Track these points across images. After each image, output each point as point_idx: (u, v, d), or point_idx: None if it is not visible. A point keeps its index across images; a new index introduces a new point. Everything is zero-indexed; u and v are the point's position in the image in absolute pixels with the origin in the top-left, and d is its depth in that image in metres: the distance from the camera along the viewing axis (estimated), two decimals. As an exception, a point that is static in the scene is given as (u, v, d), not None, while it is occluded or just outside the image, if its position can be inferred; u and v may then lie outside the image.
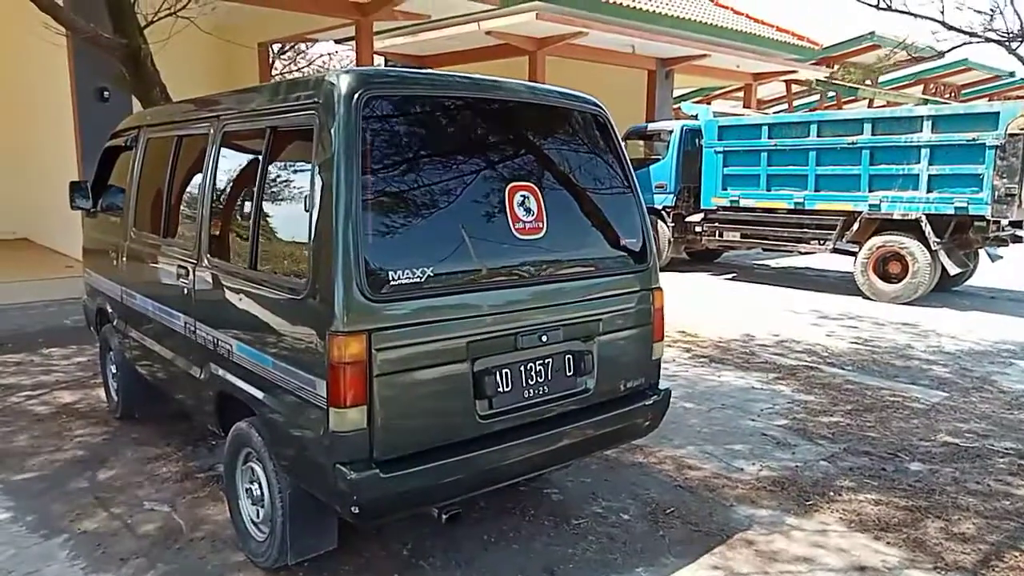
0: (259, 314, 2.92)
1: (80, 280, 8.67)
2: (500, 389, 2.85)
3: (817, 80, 19.69)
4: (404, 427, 2.64)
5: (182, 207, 3.74)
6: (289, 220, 2.89)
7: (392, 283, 2.56)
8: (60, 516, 3.60)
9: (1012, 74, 25.74)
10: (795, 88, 20.97)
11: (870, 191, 9.82)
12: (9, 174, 11.40)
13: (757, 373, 6.29)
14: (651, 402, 3.38)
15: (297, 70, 23.56)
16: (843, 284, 10.98)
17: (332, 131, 2.56)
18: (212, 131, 3.42)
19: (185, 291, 3.50)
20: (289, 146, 2.95)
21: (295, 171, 2.91)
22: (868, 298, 9.91)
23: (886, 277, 9.91)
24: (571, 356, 3.10)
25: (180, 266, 3.55)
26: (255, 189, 2.98)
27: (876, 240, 9.91)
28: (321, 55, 24.63)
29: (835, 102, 21.98)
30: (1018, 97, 23.95)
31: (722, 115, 12.25)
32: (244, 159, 3.30)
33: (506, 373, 2.88)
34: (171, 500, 3.77)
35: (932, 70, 23.51)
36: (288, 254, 2.87)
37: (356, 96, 2.58)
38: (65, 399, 5.31)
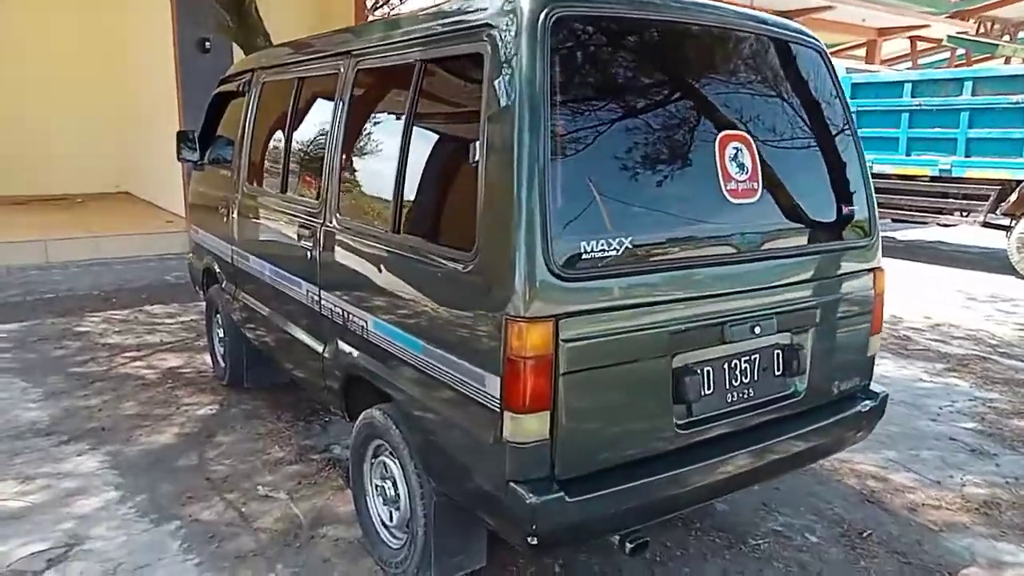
0: (405, 288, 2.41)
1: (180, 236, 8.62)
2: (702, 392, 2.27)
3: (949, 36, 17.88)
4: (592, 439, 2.10)
5: (305, 159, 3.27)
6: (447, 174, 2.36)
7: (585, 256, 1.99)
8: (171, 499, 3.26)
9: None
10: (920, 45, 19.16)
11: (1034, 157, 8.65)
12: (111, 127, 11.40)
13: (920, 362, 5.49)
14: (867, 409, 2.73)
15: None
16: (987, 261, 9.84)
17: (511, 63, 1.99)
18: (343, 70, 2.91)
19: (308, 255, 3.04)
20: (446, 84, 2.40)
21: (455, 114, 2.37)
22: (1023, 277, 8.81)
23: (1047, 256, 8.77)
24: (780, 352, 2.48)
25: (303, 226, 3.09)
26: (400, 137, 2.45)
27: (1037, 213, 8.76)
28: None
29: (965, 61, 20.01)
30: None
31: (855, 71, 11.10)
32: (384, 102, 2.78)
33: (709, 372, 2.29)
34: (287, 486, 3.38)
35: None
36: (447, 216, 2.34)
37: (543, 16, 1.99)
38: (171, 362, 5.04)
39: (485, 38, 2.09)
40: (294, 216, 3.20)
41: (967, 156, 9.17)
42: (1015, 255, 8.95)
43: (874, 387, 2.86)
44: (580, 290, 1.99)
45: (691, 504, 2.41)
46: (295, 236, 3.16)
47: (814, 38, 2.68)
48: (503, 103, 1.99)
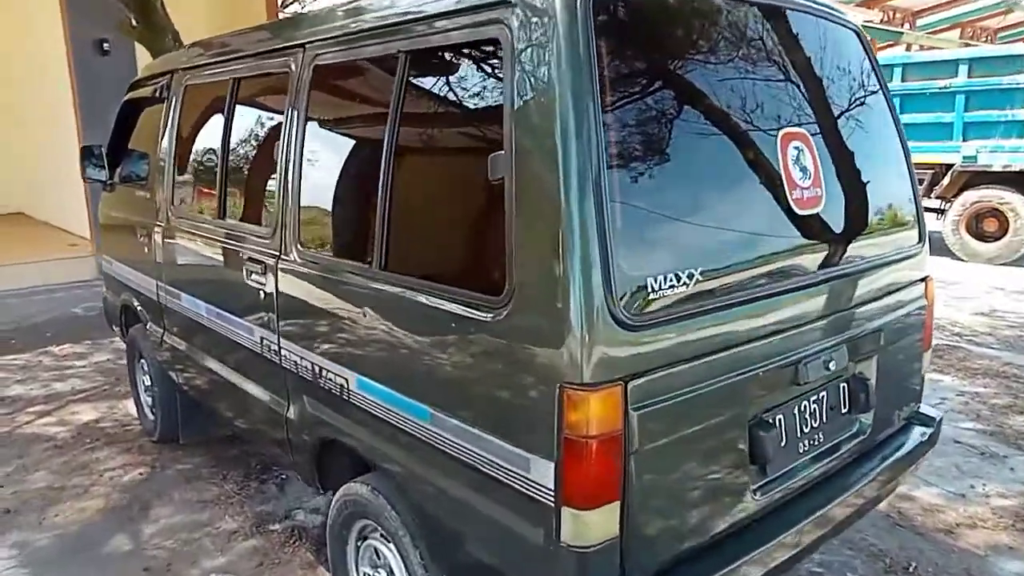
0: (402, 340, 1.92)
1: (87, 261, 7.72)
2: (779, 445, 1.87)
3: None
4: (666, 528, 1.67)
5: (248, 178, 2.71)
6: (453, 195, 1.88)
7: (653, 296, 1.56)
8: (101, 602, 2.65)
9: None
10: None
11: (964, 140, 8.79)
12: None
13: (897, 358, 5.33)
14: (927, 438, 2.41)
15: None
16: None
17: (544, 51, 1.53)
18: (295, 68, 2.37)
19: (261, 295, 2.49)
20: (446, 80, 1.91)
21: (460, 118, 1.88)
22: (959, 259, 8.95)
23: (980, 236, 8.94)
24: (846, 385, 2.12)
25: (252, 260, 2.54)
26: (383, 149, 1.95)
27: (970, 195, 8.91)
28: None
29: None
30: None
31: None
32: (354, 106, 2.28)
33: (781, 420, 1.90)
34: (245, 569, 2.81)
35: (969, 13, 22.17)
36: (459, 250, 1.86)
37: None
38: (86, 415, 4.32)
39: (504, 19, 1.62)
40: (239, 247, 2.64)
41: (900, 141, 9.25)
42: (950, 237, 9.10)
43: (924, 408, 2.55)
44: (650, 340, 1.55)
45: None
46: (242, 272, 2.60)
47: (849, 18, 2.34)
48: (537, 98, 1.53)
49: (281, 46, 2.48)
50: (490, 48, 1.69)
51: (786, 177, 1.86)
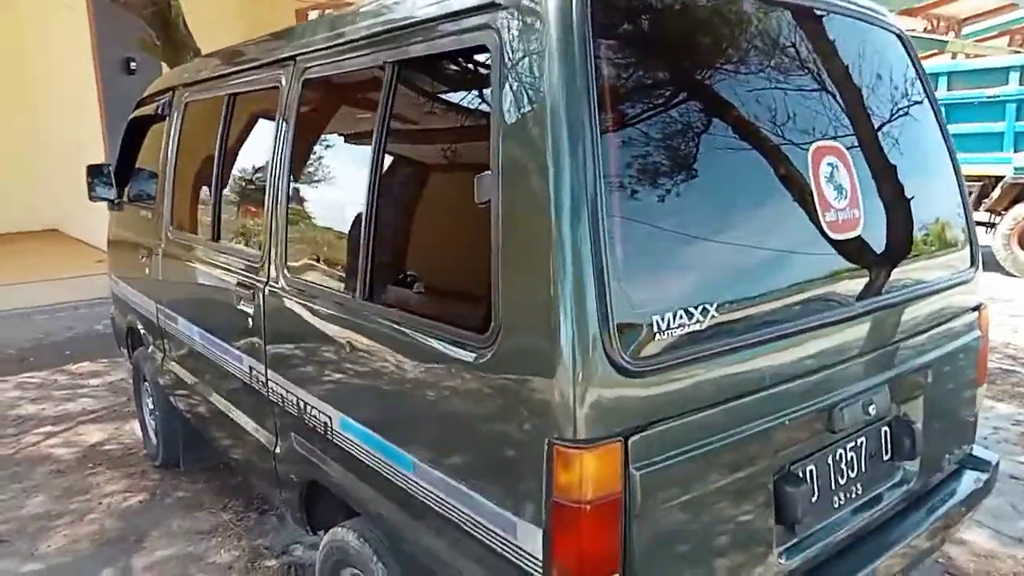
0: (384, 379, 1.73)
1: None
2: (810, 501, 1.64)
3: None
4: (676, 599, 1.44)
5: (241, 198, 2.57)
6: (438, 218, 1.70)
7: (659, 336, 1.34)
8: (83, 645, 2.50)
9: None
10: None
11: (1015, 151, 8.37)
12: (32, 159, 10.38)
13: (944, 383, 4.99)
14: (982, 486, 2.14)
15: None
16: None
17: (535, 58, 1.34)
18: (285, 82, 2.22)
19: (249, 322, 2.34)
20: (432, 92, 1.73)
21: (447, 133, 1.70)
22: (1011, 275, 8.51)
23: (1033, 251, 8.50)
24: (888, 429, 1.88)
25: (241, 284, 2.38)
26: (367, 168, 1.77)
27: (1021, 208, 8.48)
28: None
29: (914, 57, 20.10)
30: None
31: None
32: (343, 121, 2.12)
33: (812, 473, 1.67)
34: (238, 611, 2.65)
35: (1018, 20, 21.45)
36: (443, 280, 1.67)
37: None
38: (93, 437, 4.23)
39: (493, 23, 1.44)
40: (229, 270, 2.50)
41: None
42: (1001, 252, 8.65)
43: (977, 451, 2.28)
44: (656, 387, 1.34)
45: None
46: (232, 297, 2.45)
47: (891, 20, 2.10)
48: (528, 111, 1.34)
49: (272, 59, 2.33)
50: (480, 57, 1.51)
51: (818, 197, 1.64)
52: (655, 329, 1.33)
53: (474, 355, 1.43)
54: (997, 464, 2.24)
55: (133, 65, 7.79)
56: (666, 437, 1.35)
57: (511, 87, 1.38)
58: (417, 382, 1.61)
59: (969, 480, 2.15)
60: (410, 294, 1.69)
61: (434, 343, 1.54)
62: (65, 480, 3.69)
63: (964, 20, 20.90)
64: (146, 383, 3.75)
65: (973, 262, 2.13)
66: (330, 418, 1.94)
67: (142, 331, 3.60)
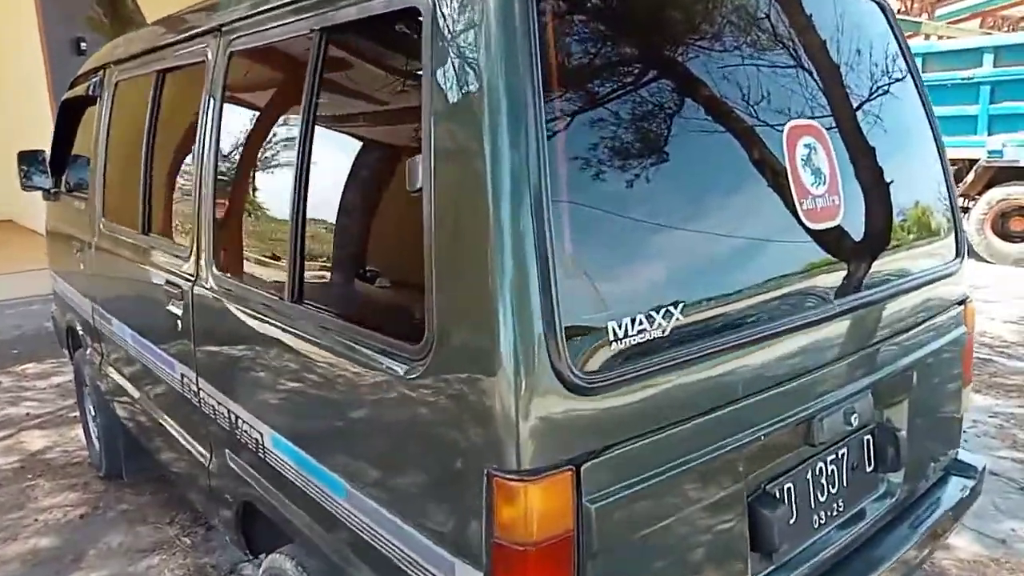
0: (315, 393, 1.54)
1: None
2: (786, 524, 1.48)
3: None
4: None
5: (168, 186, 2.35)
6: (369, 208, 1.50)
7: (615, 345, 1.16)
8: None
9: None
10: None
11: (989, 134, 8.31)
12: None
13: (922, 372, 4.90)
14: (968, 494, 2.00)
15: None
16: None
17: (470, 24, 1.15)
18: (211, 55, 2.00)
19: (178, 325, 2.12)
20: (362, 63, 1.53)
21: (378, 112, 1.50)
22: (984, 261, 8.48)
23: (1006, 236, 8.46)
24: (871, 438, 1.72)
25: (169, 283, 2.17)
26: (296, 152, 1.57)
27: (995, 193, 8.43)
28: None
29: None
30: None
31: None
32: (272, 99, 1.90)
33: (790, 491, 1.51)
34: (179, 636, 2.45)
35: (991, 1, 21.52)
36: (372, 279, 1.48)
37: None
38: (35, 444, 3.98)
39: None
40: (159, 267, 2.28)
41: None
42: (975, 237, 8.61)
43: (963, 455, 2.14)
44: (612, 405, 1.16)
45: None
46: (163, 296, 2.23)
47: (872, -11, 1.93)
48: (463, 89, 1.15)
49: (198, 31, 2.11)
50: (411, 23, 1.31)
51: (794, 183, 1.47)
52: (611, 337, 1.15)
53: (406, 367, 1.24)
54: (984, 469, 2.11)
55: (83, 46, 7.43)
56: (625, 463, 1.17)
57: (444, 57, 1.18)
58: (348, 398, 1.42)
59: (955, 488, 2.01)
60: (340, 295, 1.49)
61: (365, 353, 1.35)
62: (2, 490, 3.45)
63: (937, 1, 20.96)
64: (87, 387, 3.52)
65: (958, 252, 1.98)
66: (261, 434, 1.75)
67: (80, 332, 3.36)
